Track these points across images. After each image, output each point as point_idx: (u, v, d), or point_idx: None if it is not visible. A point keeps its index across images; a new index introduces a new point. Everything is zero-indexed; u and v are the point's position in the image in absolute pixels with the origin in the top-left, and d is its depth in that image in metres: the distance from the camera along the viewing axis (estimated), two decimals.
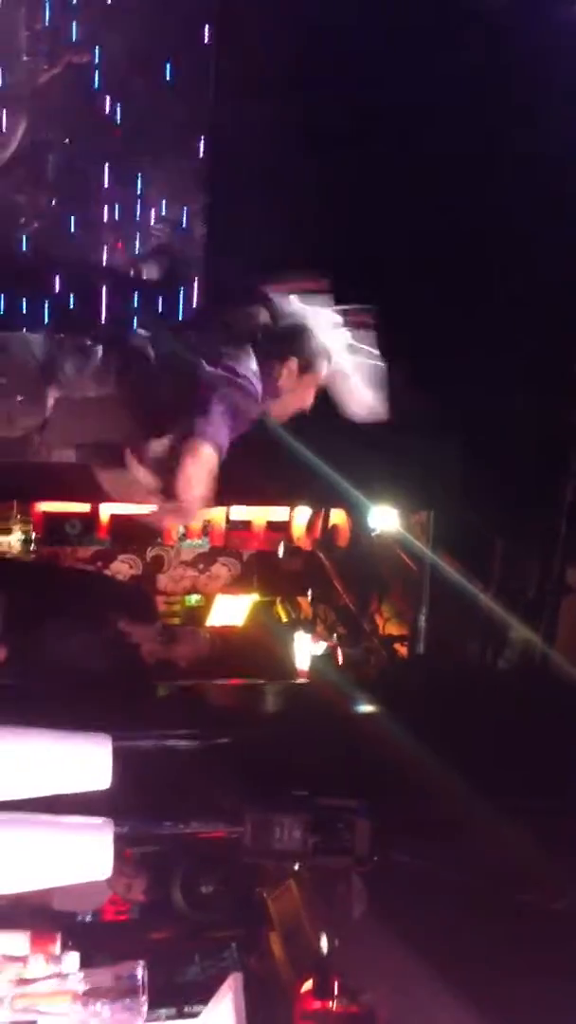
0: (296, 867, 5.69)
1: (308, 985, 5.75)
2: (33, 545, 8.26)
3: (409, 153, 5.46)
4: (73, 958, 1.65)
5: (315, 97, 5.48)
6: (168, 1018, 1.55)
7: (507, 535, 5.74)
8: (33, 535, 8.21)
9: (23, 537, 8.19)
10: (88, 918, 4.81)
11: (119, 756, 2.11)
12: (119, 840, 2.74)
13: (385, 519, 6.92)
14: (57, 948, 1.74)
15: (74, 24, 5.86)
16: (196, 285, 6.32)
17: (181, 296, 6.25)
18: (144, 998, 1.52)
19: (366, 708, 5.45)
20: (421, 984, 4.84)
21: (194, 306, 5.95)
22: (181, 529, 8.62)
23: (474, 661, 5.92)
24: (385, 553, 7.63)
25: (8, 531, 8.05)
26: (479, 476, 5.55)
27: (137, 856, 4.60)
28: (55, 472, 7.73)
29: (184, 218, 6.39)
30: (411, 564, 7.08)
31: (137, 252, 6.39)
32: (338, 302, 3.93)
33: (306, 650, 7.21)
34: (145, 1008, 1.52)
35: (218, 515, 8.48)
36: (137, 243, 6.44)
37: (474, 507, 5.73)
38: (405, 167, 5.44)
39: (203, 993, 1.81)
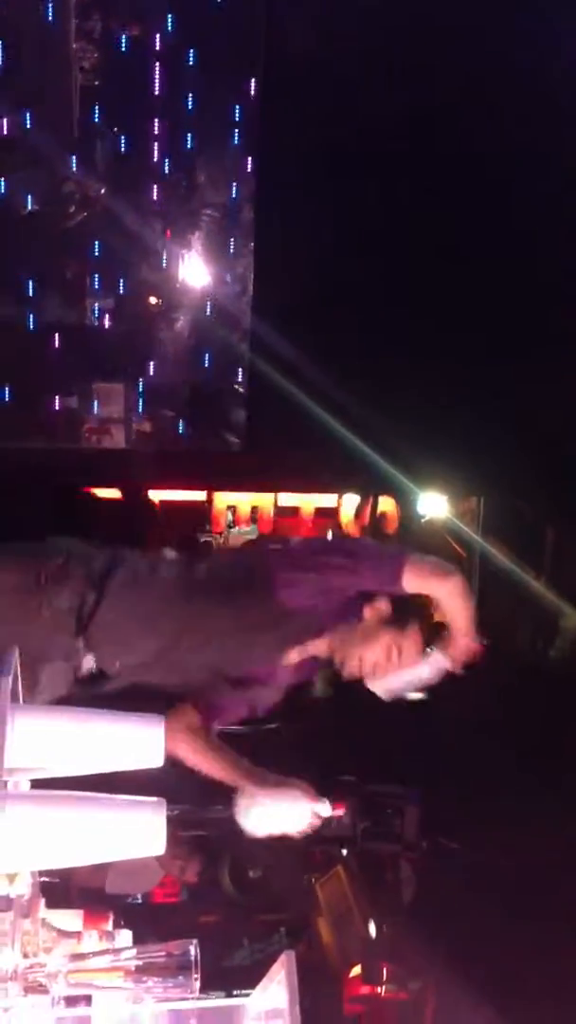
0: (344, 853, 5.70)
1: (356, 970, 5.76)
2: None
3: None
4: (126, 935, 1.66)
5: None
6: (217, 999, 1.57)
7: (557, 522, 5.67)
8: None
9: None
10: (138, 900, 4.85)
11: None
12: (169, 823, 2.75)
13: (434, 506, 6.88)
14: (110, 926, 1.75)
15: None
16: None
17: None
18: (197, 975, 1.53)
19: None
20: (470, 972, 4.82)
21: None
22: (230, 516, 8.64)
23: (525, 649, 5.86)
24: (434, 540, 7.58)
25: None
26: (529, 462, 5.49)
27: (187, 839, 4.63)
28: (104, 458, 7.85)
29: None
30: (460, 551, 7.03)
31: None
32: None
33: None
34: (197, 985, 1.52)
35: (267, 501, 8.48)
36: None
37: (524, 494, 5.67)
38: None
39: (252, 977, 1.81)
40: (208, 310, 7.87)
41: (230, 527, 8.75)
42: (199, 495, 8.35)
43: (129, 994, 1.47)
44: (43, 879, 1.89)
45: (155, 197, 7.32)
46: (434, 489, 6.54)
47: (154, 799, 1.57)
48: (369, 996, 5.41)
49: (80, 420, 7.78)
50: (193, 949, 1.55)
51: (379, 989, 5.42)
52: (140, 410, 7.96)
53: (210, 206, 7.38)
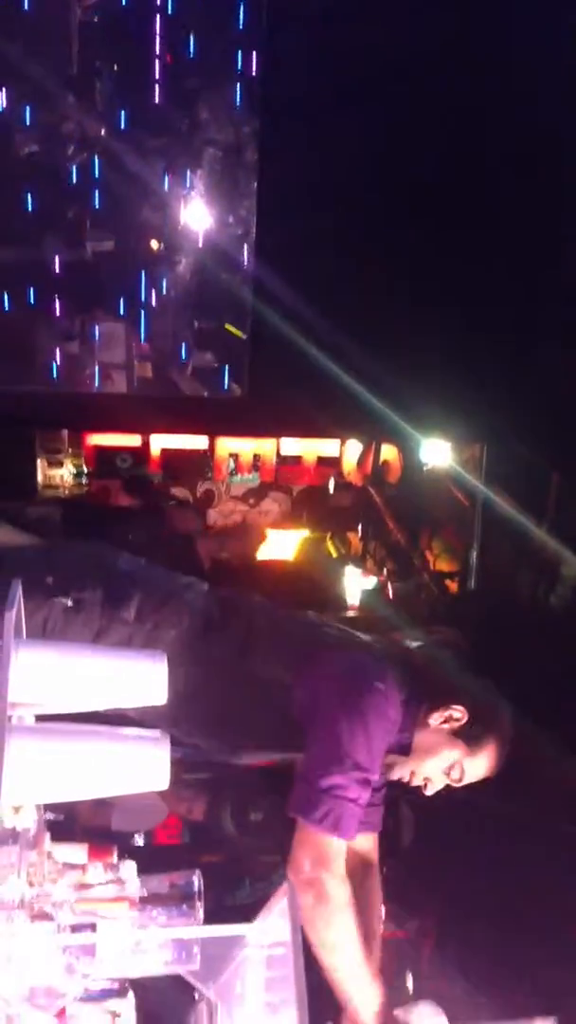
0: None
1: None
2: (85, 479, 8.32)
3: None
4: (131, 867, 1.67)
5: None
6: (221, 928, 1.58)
7: (561, 468, 5.63)
8: (84, 468, 8.26)
9: (75, 471, 8.25)
10: (140, 843, 4.91)
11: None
12: (173, 764, 2.75)
13: (437, 453, 6.85)
14: (114, 859, 1.76)
15: None
16: None
17: None
18: (200, 904, 1.54)
19: (416, 643, 5.44)
20: (468, 913, 4.89)
21: None
22: (232, 464, 8.63)
23: (526, 597, 5.86)
24: (436, 488, 7.57)
25: (60, 464, 8.10)
26: (534, 409, 5.45)
27: (192, 781, 4.68)
28: (106, 402, 7.80)
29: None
30: (463, 499, 7.01)
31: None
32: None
33: (356, 585, 7.21)
34: (201, 914, 1.54)
35: (269, 450, 8.47)
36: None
37: (528, 440, 5.63)
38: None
39: (254, 915, 1.84)
40: (210, 252, 7.78)
41: (232, 475, 8.75)
42: (201, 442, 8.32)
43: (134, 922, 1.49)
44: (48, 816, 1.91)
45: (156, 136, 7.21)
46: (437, 436, 6.49)
47: (158, 733, 1.58)
48: None
49: (81, 365, 7.74)
50: (196, 879, 1.57)
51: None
52: (141, 355, 7.90)
53: (212, 145, 7.26)
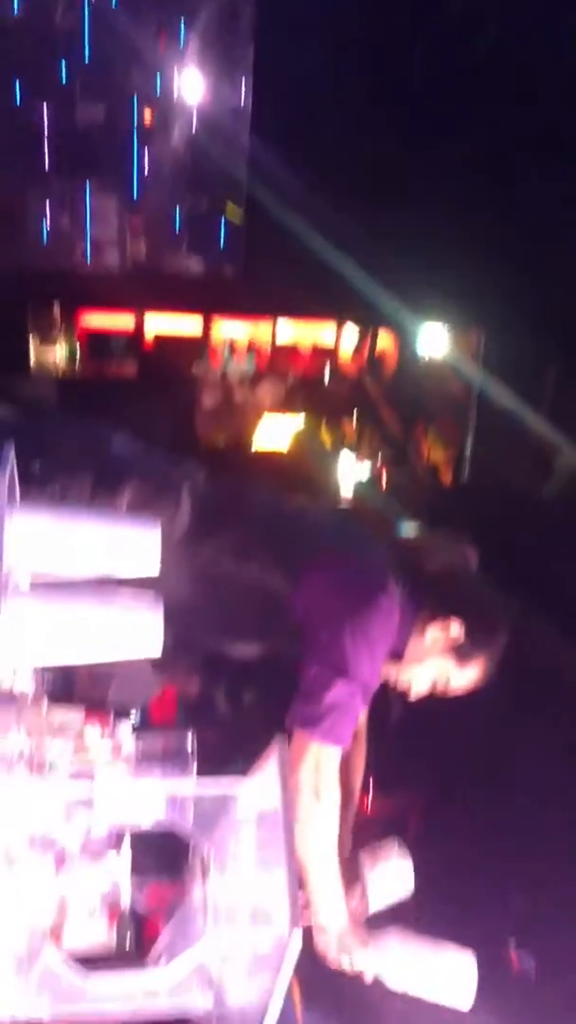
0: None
1: None
2: (78, 361, 8.23)
3: None
4: (126, 727, 1.71)
5: None
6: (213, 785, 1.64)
7: (560, 357, 5.59)
8: (78, 350, 8.17)
9: (67, 352, 8.15)
10: (136, 720, 5.03)
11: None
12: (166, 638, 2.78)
13: (434, 341, 6.77)
14: (110, 722, 1.81)
15: None
16: None
17: None
18: (193, 763, 1.60)
19: (409, 532, 5.48)
20: (457, 787, 5.06)
21: None
22: (227, 350, 8.53)
23: (520, 487, 5.88)
24: (432, 377, 7.52)
25: (52, 344, 8.00)
26: (534, 295, 5.37)
27: (185, 657, 4.76)
28: (98, 278, 7.64)
29: None
30: (458, 389, 6.98)
31: None
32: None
33: (350, 474, 7.22)
34: (194, 772, 1.59)
35: (264, 335, 8.36)
36: None
37: (527, 328, 5.57)
38: None
39: None
40: (205, 125, 7.52)
41: (227, 361, 8.66)
42: (195, 328, 8.20)
43: (129, 778, 1.54)
44: (46, 685, 1.95)
45: None
46: (435, 320, 6.41)
47: (151, 600, 1.59)
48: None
49: (72, 240, 7.53)
50: (189, 738, 1.61)
51: (366, 801, 5.71)
52: (134, 231, 7.70)
53: (207, 9, 6.95)
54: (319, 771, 2.11)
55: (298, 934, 1.35)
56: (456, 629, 2.23)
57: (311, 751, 2.11)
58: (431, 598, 2.24)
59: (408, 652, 2.26)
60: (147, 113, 7.78)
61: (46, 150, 7.49)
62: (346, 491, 7.05)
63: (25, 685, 1.70)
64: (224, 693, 5.38)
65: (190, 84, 7.53)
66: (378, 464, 7.76)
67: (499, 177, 5.24)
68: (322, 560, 2.24)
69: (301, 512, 2.47)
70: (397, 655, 2.25)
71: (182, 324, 8.17)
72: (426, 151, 5.82)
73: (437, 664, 2.25)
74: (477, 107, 5.33)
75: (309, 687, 2.13)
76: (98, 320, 7.99)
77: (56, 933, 1.61)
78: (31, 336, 7.81)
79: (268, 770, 1.60)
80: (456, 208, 5.61)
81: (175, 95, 7.54)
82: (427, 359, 7.24)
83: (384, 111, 5.94)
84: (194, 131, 7.69)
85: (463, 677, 2.28)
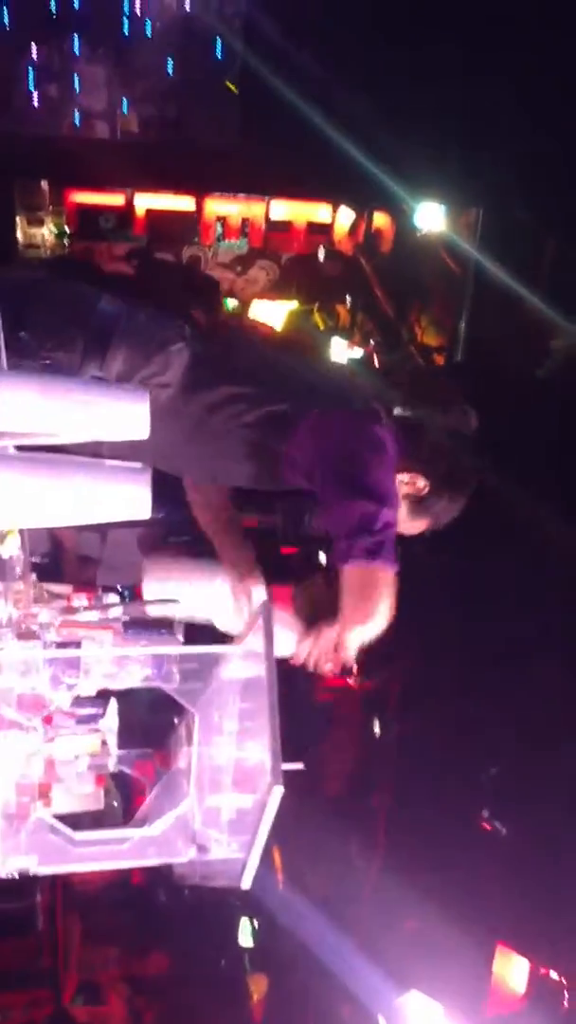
0: (323, 558, 5.94)
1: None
2: (67, 240, 8.02)
3: None
4: (113, 597, 1.73)
5: None
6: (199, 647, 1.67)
7: (558, 234, 5.45)
8: (67, 229, 7.95)
9: (56, 231, 7.94)
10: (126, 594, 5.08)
11: None
12: (155, 525, 2.79)
13: (431, 219, 6.60)
14: (98, 593, 1.82)
15: None
16: None
17: None
18: (179, 629, 1.61)
19: (401, 413, 5.46)
20: (435, 664, 5.18)
21: None
22: (219, 228, 8.32)
23: (514, 369, 5.83)
24: (428, 258, 7.36)
25: (40, 222, 7.77)
26: (532, 170, 5.21)
27: (174, 543, 4.78)
28: (88, 150, 7.39)
29: None
30: (454, 268, 6.84)
31: None
32: None
33: (343, 356, 7.15)
34: (181, 637, 1.62)
35: (258, 213, 8.14)
36: None
37: (525, 204, 5.42)
38: None
39: None
40: None
41: (219, 240, 8.46)
42: (187, 204, 7.97)
43: (116, 639, 1.56)
44: (34, 559, 1.95)
45: None
46: (431, 199, 6.24)
47: (139, 465, 1.58)
48: (340, 686, 5.85)
49: (60, 109, 7.23)
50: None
51: (348, 680, 5.85)
52: (125, 103, 7.41)
53: None
54: (390, 594, 2.15)
55: (278, 791, 1.38)
56: (421, 483, 2.29)
57: (384, 578, 2.14)
58: (411, 447, 2.28)
59: None
60: None
61: (36, 18, 7.14)
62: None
63: (12, 550, 1.70)
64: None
65: None
66: (370, 347, 7.68)
67: (497, 51, 5.03)
68: (322, 411, 2.25)
69: (293, 369, 2.46)
70: None
71: (174, 201, 7.94)
72: (423, 27, 5.59)
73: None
74: None
75: (358, 523, 2.12)
76: (88, 197, 7.76)
77: (44, 794, 1.65)
78: (18, 213, 7.59)
79: (253, 633, 1.62)
80: (453, 83, 5.42)
81: None
82: (423, 236, 7.07)
83: None
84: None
85: (409, 527, 2.34)
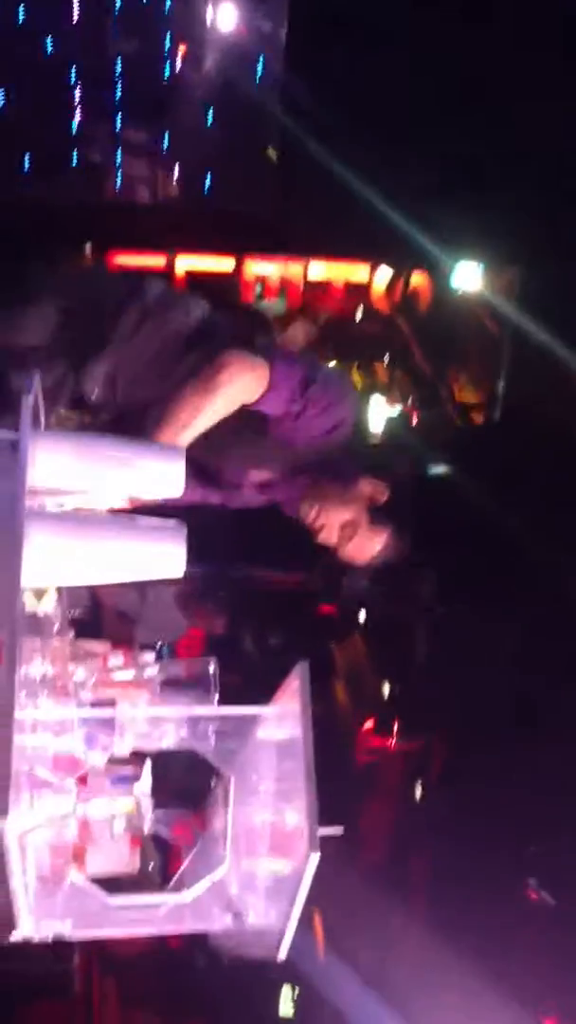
0: (362, 619, 5.91)
1: (369, 724, 6.11)
2: None
3: None
4: (150, 655, 1.72)
5: None
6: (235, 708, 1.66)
7: None
8: None
9: None
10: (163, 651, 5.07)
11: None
12: (193, 580, 2.79)
13: (469, 278, 6.65)
14: (135, 652, 1.81)
15: None
16: None
17: None
18: (216, 689, 1.60)
19: (439, 470, 5.45)
20: (478, 726, 5.09)
21: None
22: (258, 288, 8.43)
23: (551, 427, 5.81)
24: (466, 317, 7.40)
25: None
26: (571, 229, 5.24)
27: (213, 598, 4.79)
28: (130, 214, 7.55)
29: None
30: (493, 328, 6.86)
31: None
32: None
33: (381, 414, 7.17)
34: (216, 698, 1.60)
35: (296, 274, 8.25)
36: None
37: (564, 264, 5.44)
38: None
39: None
40: (239, 60, 7.37)
41: (259, 299, 8.57)
42: (227, 265, 8.10)
43: (152, 699, 1.55)
44: (73, 614, 1.95)
45: None
46: (470, 258, 6.29)
47: (174, 523, 1.59)
48: (380, 747, 5.77)
49: (104, 176, 7.43)
50: (212, 665, 1.61)
51: (390, 741, 5.77)
52: (166, 168, 7.58)
53: None
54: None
55: (314, 859, 1.35)
56: (381, 493, 2.45)
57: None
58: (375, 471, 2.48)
59: (344, 488, 2.47)
60: (181, 48, 7.63)
61: (79, 86, 7.36)
62: (376, 430, 7.00)
63: (49, 607, 1.70)
64: (251, 636, 5.43)
65: (224, 18, 7.36)
66: (408, 405, 7.69)
67: (533, 110, 5.09)
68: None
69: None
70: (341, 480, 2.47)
71: (214, 263, 8.07)
72: (459, 88, 5.68)
73: (354, 512, 2.45)
74: (524, 52, 5.16)
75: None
76: (130, 259, 7.91)
77: (79, 856, 1.63)
78: None
79: (289, 696, 1.60)
80: (491, 143, 5.48)
81: (209, 29, 7.38)
82: (462, 296, 7.12)
83: (422, 47, 5.79)
84: (228, 67, 7.53)
85: (367, 538, 2.47)
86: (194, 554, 1.61)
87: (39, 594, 1.65)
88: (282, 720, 1.63)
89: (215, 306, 2.52)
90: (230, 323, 2.49)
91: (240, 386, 2.29)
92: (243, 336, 2.41)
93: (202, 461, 2.37)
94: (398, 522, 2.49)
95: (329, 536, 2.49)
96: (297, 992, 5.84)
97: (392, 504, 2.47)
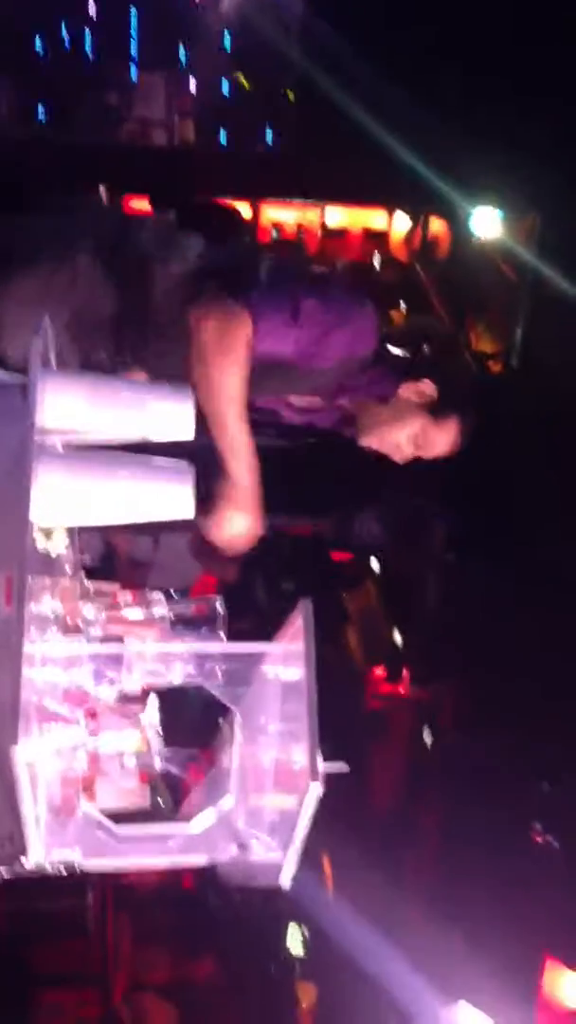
0: (375, 564, 5.93)
1: (380, 671, 6.17)
2: None
3: None
4: (158, 595, 1.74)
5: None
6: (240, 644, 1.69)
7: None
8: None
9: None
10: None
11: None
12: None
13: (488, 224, 6.55)
14: (145, 591, 1.84)
15: None
16: None
17: None
18: (223, 627, 1.62)
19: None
20: (489, 674, 5.13)
21: None
22: (275, 234, 8.35)
23: (569, 375, 5.76)
24: (485, 265, 7.31)
25: None
26: None
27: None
28: (145, 158, 7.47)
29: None
30: (511, 275, 6.78)
31: None
32: None
33: None
34: (224, 634, 1.62)
35: (313, 219, 8.16)
36: None
37: None
38: None
39: None
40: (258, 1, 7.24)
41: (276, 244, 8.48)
42: (244, 210, 8.01)
43: (160, 636, 1.57)
44: (85, 560, 1.97)
45: None
46: (488, 203, 6.20)
47: (184, 464, 1.60)
48: (390, 693, 5.83)
49: (119, 118, 7.34)
50: (219, 604, 1.63)
51: (400, 688, 5.82)
52: (182, 111, 7.48)
53: None
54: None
55: (315, 789, 1.38)
56: (429, 388, 2.42)
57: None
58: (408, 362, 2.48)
59: (392, 405, 2.45)
60: None
61: (93, 22, 7.25)
62: None
63: (59, 547, 1.73)
64: (262, 583, 5.46)
65: None
66: (423, 351, 7.62)
67: (555, 55, 4.98)
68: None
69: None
70: (385, 397, 2.46)
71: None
72: (480, 31, 5.56)
73: (413, 421, 2.43)
74: None
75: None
76: (145, 203, 7.84)
77: (88, 787, 1.67)
78: None
79: (293, 634, 1.62)
80: (511, 87, 5.38)
81: None
82: (480, 243, 7.02)
83: None
84: (247, 8, 7.40)
85: (439, 435, 2.45)
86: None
87: (48, 533, 1.68)
88: (287, 660, 1.65)
89: (207, 238, 2.45)
90: (225, 257, 2.43)
91: (233, 358, 2.22)
92: (235, 273, 2.35)
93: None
94: (459, 406, 2.46)
95: (404, 453, 2.48)
96: (306, 931, 5.97)
97: (444, 392, 2.44)
